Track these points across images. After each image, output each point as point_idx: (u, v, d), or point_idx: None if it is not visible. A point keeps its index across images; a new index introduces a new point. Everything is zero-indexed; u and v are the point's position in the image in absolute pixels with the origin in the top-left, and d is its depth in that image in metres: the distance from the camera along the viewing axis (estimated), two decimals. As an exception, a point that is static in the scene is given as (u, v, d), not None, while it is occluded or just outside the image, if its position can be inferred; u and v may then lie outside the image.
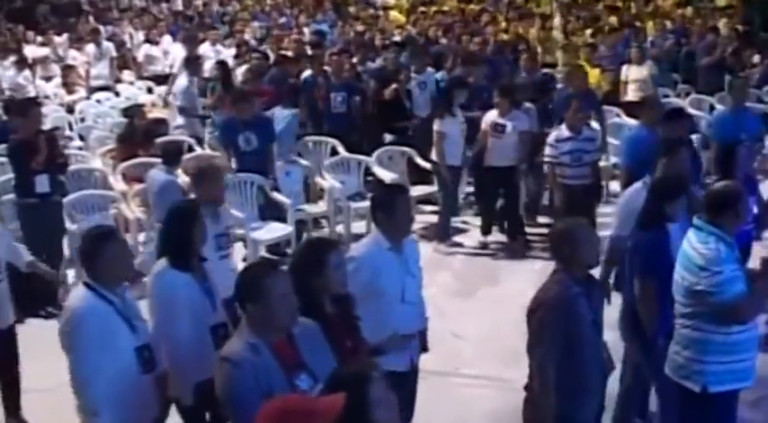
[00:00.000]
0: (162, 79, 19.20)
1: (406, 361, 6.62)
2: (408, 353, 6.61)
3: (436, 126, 12.22)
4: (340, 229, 12.44)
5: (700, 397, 6.16)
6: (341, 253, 5.88)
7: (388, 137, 14.31)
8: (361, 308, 6.04)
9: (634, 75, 16.77)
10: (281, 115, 13.15)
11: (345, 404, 3.93)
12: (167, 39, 21.93)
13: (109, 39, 21.94)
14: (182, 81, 15.79)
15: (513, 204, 12.32)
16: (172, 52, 20.18)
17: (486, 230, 12.33)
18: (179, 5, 30.72)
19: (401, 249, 6.55)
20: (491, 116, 12.09)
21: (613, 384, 7.34)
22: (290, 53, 17.73)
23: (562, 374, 5.61)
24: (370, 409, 4.07)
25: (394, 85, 14.38)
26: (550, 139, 11.20)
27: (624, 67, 16.91)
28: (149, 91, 18.93)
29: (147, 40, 21.83)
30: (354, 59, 16.35)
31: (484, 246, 12.26)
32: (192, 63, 16.09)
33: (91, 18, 26.63)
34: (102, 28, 23.51)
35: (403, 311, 6.49)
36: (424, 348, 6.88)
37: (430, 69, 15.56)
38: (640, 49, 17.25)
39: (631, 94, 16.40)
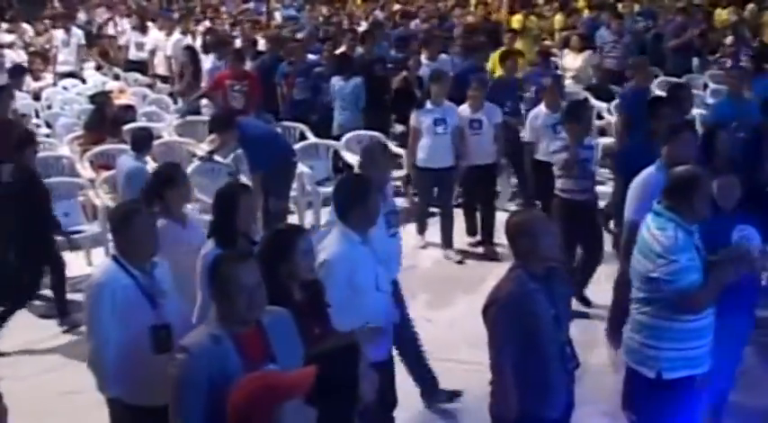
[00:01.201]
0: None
1: (384, 351, 6.64)
2: (385, 343, 6.63)
3: (411, 120, 11.73)
4: (309, 214, 12.44)
5: (655, 383, 6.17)
6: (308, 239, 5.87)
7: (399, 127, 14.12)
8: (343, 304, 6.08)
9: (569, 63, 16.69)
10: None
11: (336, 376, 4.04)
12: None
13: (88, 23, 21.93)
14: (208, 65, 15.69)
15: (491, 209, 11.80)
16: (153, 39, 19.97)
17: (472, 231, 11.97)
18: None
19: (369, 240, 6.54)
20: (464, 113, 11.59)
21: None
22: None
23: (522, 372, 5.49)
24: (358, 381, 4.16)
25: (403, 74, 14.33)
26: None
27: (564, 52, 16.82)
28: (116, 77, 18.84)
29: (134, 27, 21.63)
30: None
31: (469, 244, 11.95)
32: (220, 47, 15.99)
33: (57, 3, 26.48)
34: (82, 15, 23.47)
35: (379, 300, 6.50)
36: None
37: (444, 56, 15.42)
38: (581, 38, 17.13)
39: (567, 84, 15.70)
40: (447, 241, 11.59)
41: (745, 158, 8.74)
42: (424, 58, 14.98)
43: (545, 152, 10.65)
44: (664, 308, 6.04)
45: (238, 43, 17.98)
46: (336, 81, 14.26)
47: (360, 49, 15.81)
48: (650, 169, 7.54)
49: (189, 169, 11.22)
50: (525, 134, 11.56)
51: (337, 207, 6.59)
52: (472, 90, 11.61)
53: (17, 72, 15.29)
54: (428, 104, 11.42)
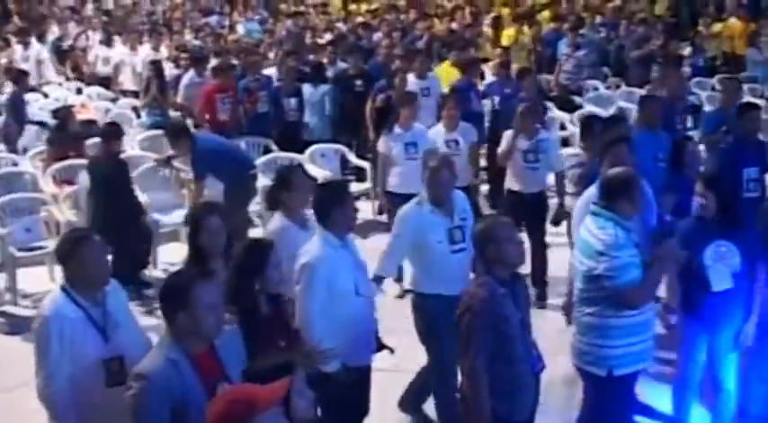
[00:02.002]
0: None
1: (363, 357, 6.73)
2: (365, 349, 6.71)
3: (378, 145, 11.29)
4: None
5: (606, 381, 6.32)
6: (276, 252, 5.98)
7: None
8: (323, 309, 6.23)
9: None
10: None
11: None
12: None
13: (59, 38, 21.89)
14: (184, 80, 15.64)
15: None
16: (118, 54, 19.83)
17: None
18: (109, 5, 30.57)
19: (347, 244, 6.64)
20: (439, 134, 11.11)
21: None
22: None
23: (493, 376, 5.62)
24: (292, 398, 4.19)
25: (383, 95, 13.58)
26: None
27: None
28: (79, 92, 18.77)
29: (101, 42, 21.52)
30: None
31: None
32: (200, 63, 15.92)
33: (16, 19, 26.39)
34: (56, 28, 23.42)
35: (359, 305, 6.56)
36: (379, 348, 6.95)
37: (432, 74, 14.55)
38: (505, 51, 16.82)
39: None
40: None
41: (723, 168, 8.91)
42: (412, 75, 14.08)
43: (517, 180, 10.52)
44: (609, 306, 6.23)
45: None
46: (307, 88, 14.45)
47: (342, 64, 15.64)
48: (592, 188, 7.62)
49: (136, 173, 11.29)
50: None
51: (316, 211, 6.66)
52: (448, 109, 11.17)
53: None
54: (397, 129, 10.96)
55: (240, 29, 24.77)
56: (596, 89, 17.51)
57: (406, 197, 8.59)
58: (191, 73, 15.51)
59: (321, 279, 6.31)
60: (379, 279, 7.54)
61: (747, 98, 16.78)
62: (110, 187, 10.43)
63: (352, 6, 29.18)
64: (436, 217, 7.40)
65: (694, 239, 6.93)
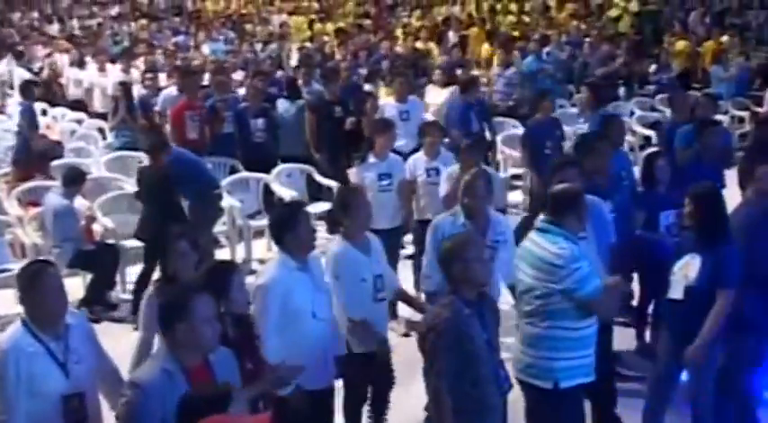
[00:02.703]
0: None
1: (323, 380, 6.70)
2: (324, 372, 6.68)
3: (351, 176, 10.51)
4: (240, 248, 12.41)
5: (551, 394, 6.34)
6: (241, 273, 6.01)
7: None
8: (278, 330, 6.22)
9: (432, 98, 15.79)
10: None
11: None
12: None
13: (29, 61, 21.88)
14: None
15: None
16: (89, 76, 19.77)
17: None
18: (74, 27, 30.52)
19: (308, 267, 6.60)
20: (420, 162, 10.49)
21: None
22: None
23: (459, 396, 5.60)
24: None
25: (352, 118, 13.29)
26: None
27: (428, 87, 16.45)
28: (44, 113, 18.69)
29: (72, 63, 21.40)
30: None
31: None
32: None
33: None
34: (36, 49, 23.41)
35: (316, 328, 6.53)
36: (342, 373, 6.95)
37: (413, 98, 14.06)
38: (444, 72, 16.73)
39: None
40: (392, 313, 9.24)
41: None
42: (393, 99, 13.79)
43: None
44: (560, 318, 6.26)
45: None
46: (281, 103, 14.47)
47: (318, 86, 15.41)
48: None
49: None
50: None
51: (272, 234, 6.69)
52: (430, 136, 10.59)
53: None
54: (371, 158, 10.30)
55: (205, 49, 24.75)
56: (562, 107, 17.60)
57: (376, 232, 7.83)
58: (171, 88, 15.53)
59: (275, 301, 6.33)
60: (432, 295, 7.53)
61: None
62: (156, 197, 10.62)
63: (318, 26, 29.21)
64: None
65: (680, 250, 7.15)
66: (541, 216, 6.59)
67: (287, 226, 6.56)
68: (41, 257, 9.20)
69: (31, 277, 5.57)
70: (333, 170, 13.14)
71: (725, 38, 21.95)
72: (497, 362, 5.92)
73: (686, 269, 6.96)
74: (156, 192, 10.63)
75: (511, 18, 28.31)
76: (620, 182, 9.11)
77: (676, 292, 7.01)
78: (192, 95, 14.12)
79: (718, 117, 17.13)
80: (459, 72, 17.78)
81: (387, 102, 13.60)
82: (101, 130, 16.65)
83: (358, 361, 7.03)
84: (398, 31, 26.59)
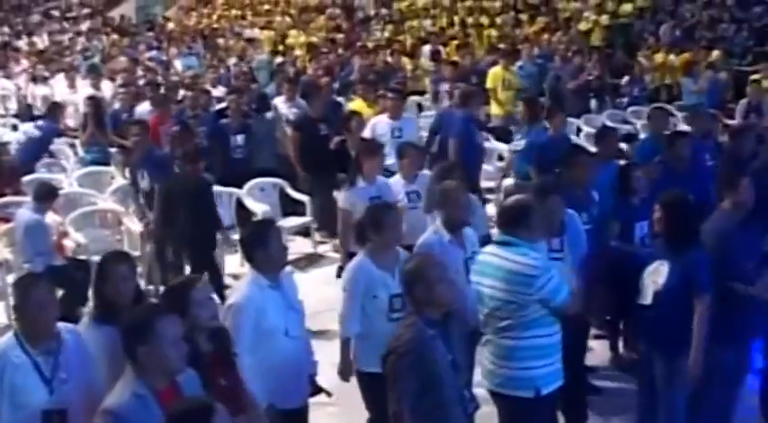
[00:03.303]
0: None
1: (297, 399, 6.67)
2: (300, 390, 6.67)
3: (339, 201, 10.10)
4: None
5: (534, 402, 6.37)
6: (203, 288, 5.84)
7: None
8: (250, 349, 6.14)
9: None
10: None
11: None
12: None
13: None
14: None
15: None
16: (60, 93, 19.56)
17: None
18: (45, 41, 30.44)
19: (280, 284, 6.55)
20: (399, 186, 9.86)
21: None
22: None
23: (424, 419, 5.54)
24: None
25: (339, 138, 12.89)
26: None
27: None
28: (14, 128, 18.60)
29: (34, 79, 21.28)
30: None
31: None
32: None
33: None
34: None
35: (288, 346, 6.49)
36: (316, 392, 6.91)
37: (407, 115, 13.59)
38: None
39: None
40: None
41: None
42: (385, 116, 13.05)
43: None
44: (534, 327, 6.32)
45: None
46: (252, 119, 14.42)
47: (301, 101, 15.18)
48: None
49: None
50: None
51: (243, 252, 6.65)
52: (408, 157, 9.95)
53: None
54: (360, 182, 9.77)
55: (177, 64, 24.73)
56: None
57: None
58: (145, 104, 15.51)
59: (247, 319, 6.26)
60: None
61: (682, 127, 17.08)
62: (191, 204, 10.62)
63: (289, 40, 29.24)
64: (454, 247, 7.41)
65: (654, 255, 7.23)
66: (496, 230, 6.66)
67: (258, 244, 6.50)
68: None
69: (22, 290, 5.58)
70: (318, 188, 13.16)
71: (716, 52, 21.97)
72: (463, 383, 5.87)
73: (655, 275, 7.03)
74: (192, 198, 10.68)
75: (484, 32, 28.36)
76: (609, 194, 9.12)
77: (645, 298, 7.07)
78: (164, 110, 14.08)
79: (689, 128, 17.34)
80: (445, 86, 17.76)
81: (379, 118, 13.03)
82: (72, 146, 16.57)
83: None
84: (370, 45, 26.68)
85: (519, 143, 12.38)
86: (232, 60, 24.34)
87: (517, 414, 6.51)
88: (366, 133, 12.48)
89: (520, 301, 6.28)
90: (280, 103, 15.31)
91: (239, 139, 13.77)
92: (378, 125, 12.82)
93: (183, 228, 10.61)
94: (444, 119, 13.57)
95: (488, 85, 17.57)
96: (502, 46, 23.73)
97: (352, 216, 9.09)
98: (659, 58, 22.24)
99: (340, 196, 10.09)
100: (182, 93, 17.48)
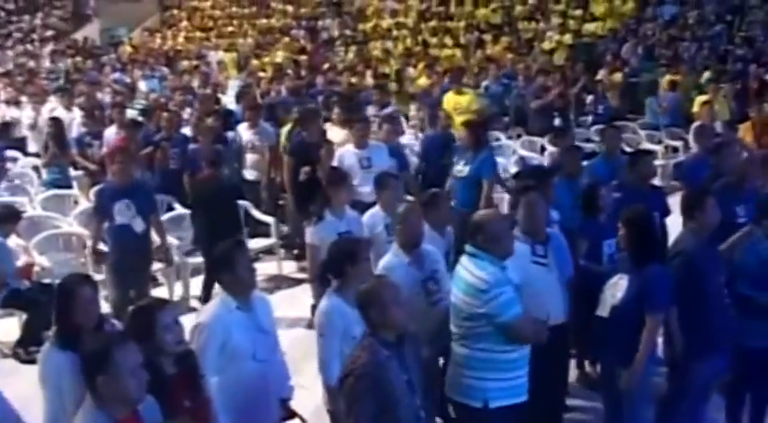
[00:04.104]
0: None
1: (269, 422, 6.64)
2: (269, 414, 6.63)
3: (307, 237, 9.66)
4: (178, 286, 12.28)
5: (479, 412, 6.44)
6: (170, 312, 5.75)
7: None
8: (217, 370, 6.14)
9: (333, 136, 14.30)
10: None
11: None
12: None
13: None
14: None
15: None
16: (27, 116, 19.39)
17: None
18: (8, 65, 30.30)
19: (250, 306, 6.52)
20: (378, 217, 9.30)
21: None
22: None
23: None
24: None
25: (306, 168, 12.46)
26: None
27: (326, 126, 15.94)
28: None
29: (8, 102, 21.10)
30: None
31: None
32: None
33: None
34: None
35: (256, 370, 6.46)
36: (289, 416, 6.87)
37: (374, 143, 12.64)
38: (344, 111, 15.64)
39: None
40: None
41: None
42: (351, 146, 12.48)
43: None
44: (490, 341, 6.35)
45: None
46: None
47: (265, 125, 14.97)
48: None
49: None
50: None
51: (213, 273, 6.57)
52: (387, 188, 9.43)
53: None
54: (329, 216, 9.39)
55: (142, 86, 24.64)
56: (498, 139, 17.68)
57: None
58: (112, 128, 15.44)
59: (213, 340, 6.24)
60: None
61: (645, 144, 17.22)
62: (212, 206, 11.25)
63: (253, 62, 29.22)
64: (413, 270, 7.43)
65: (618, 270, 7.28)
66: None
67: (225, 266, 6.49)
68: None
69: None
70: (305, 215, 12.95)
71: (707, 73, 22.05)
72: (419, 403, 5.87)
73: (614, 288, 7.12)
74: (214, 201, 11.24)
75: (447, 52, 28.49)
76: (574, 211, 9.15)
77: (603, 310, 7.14)
78: (133, 132, 14.05)
79: (653, 147, 17.48)
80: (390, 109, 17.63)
81: (345, 148, 12.50)
82: (36, 169, 16.47)
83: None
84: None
85: (463, 169, 11.88)
86: (194, 81, 24.31)
87: (465, 422, 6.64)
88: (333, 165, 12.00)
89: (470, 311, 6.37)
90: (243, 129, 15.02)
91: None
92: (344, 155, 12.27)
93: (201, 230, 11.31)
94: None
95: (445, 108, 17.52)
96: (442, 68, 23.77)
97: (321, 252, 8.48)
98: (621, 76, 22.43)
99: (308, 231, 9.61)
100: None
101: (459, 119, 15.26)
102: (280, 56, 30.64)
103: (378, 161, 12.04)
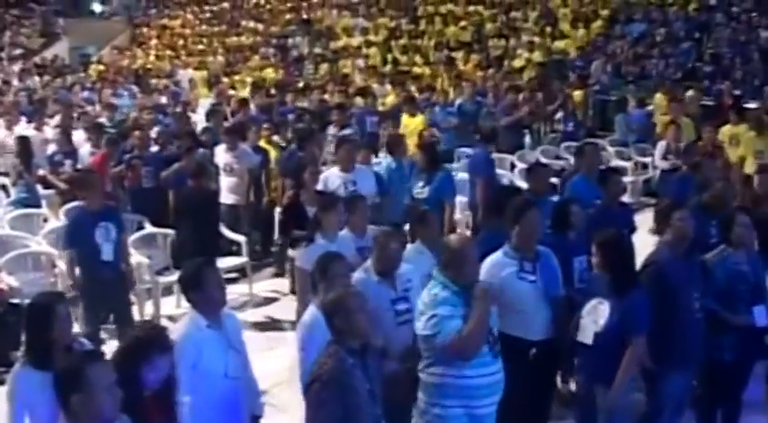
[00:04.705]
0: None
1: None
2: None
3: (297, 260, 9.53)
4: (149, 305, 12.19)
5: None
6: (159, 350, 5.60)
7: (290, 252, 11.56)
8: (189, 389, 6.07)
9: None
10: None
11: None
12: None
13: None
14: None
15: None
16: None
17: None
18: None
19: (220, 324, 6.50)
20: (348, 241, 9.11)
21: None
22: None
23: None
24: None
25: (291, 192, 12.07)
26: None
27: None
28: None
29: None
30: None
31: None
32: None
33: None
34: None
35: (228, 388, 6.45)
36: None
37: (360, 167, 12.26)
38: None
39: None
40: None
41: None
42: (337, 169, 12.17)
43: None
44: (441, 364, 6.32)
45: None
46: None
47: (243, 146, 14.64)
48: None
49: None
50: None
51: (182, 292, 6.57)
52: (358, 211, 9.36)
53: None
54: (320, 239, 9.08)
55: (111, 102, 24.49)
56: (468, 157, 17.69)
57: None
58: (86, 146, 15.38)
59: (186, 360, 6.19)
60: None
61: (615, 161, 17.29)
62: (199, 217, 11.79)
63: (224, 80, 29.17)
64: (383, 287, 7.43)
65: (588, 292, 7.34)
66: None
67: (195, 284, 6.47)
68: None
69: None
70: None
71: (690, 92, 22.00)
72: (378, 413, 5.93)
73: (595, 314, 7.07)
74: (199, 212, 11.79)
75: (417, 70, 28.52)
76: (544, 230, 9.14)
77: (586, 337, 7.09)
78: (113, 150, 14.03)
79: (622, 163, 17.55)
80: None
81: (330, 171, 12.26)
82: (4, 188, 16.36)
83: None
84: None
85: (423, 190, 11.98)
86: (163, 99, 24.23)
87: None
88: (318, 188, 11.78)
89: (418, 333, 6.43)
90: (221, 152, 14.64)
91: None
92: (329, 179, 12.03)
93: (186, 238, 11.62)
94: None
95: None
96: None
97: (308, 275, 8.05)
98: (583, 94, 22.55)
99: (297, 254, 9.47)
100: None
101: (411, 140, 15.40)
102: (251, 75, 30.63)
103: (363, 185, 11.77)
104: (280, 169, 13.87)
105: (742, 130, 16.23)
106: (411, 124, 17.69)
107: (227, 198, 14.12)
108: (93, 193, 10.40)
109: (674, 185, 12.02)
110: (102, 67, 36.29)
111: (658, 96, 20.63)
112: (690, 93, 20.53)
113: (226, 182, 14.25)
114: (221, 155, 14.58)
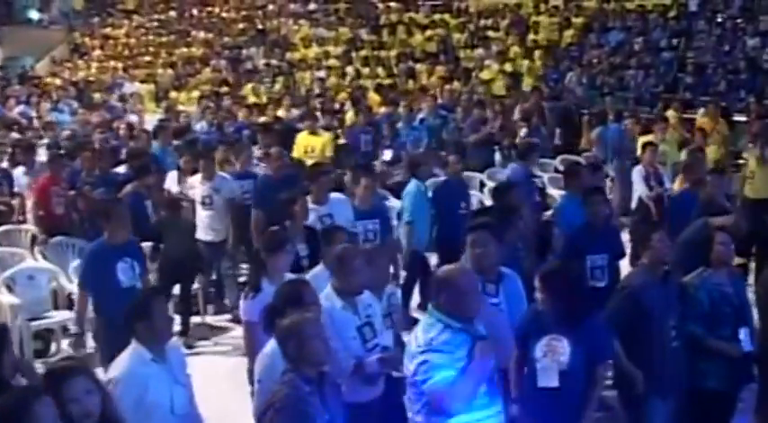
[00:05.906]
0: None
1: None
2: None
3: (242, 312, 8.58)
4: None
5: None
6: (81, 380, 5.43)
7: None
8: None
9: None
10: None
11: None
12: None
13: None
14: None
15: None
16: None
17: None
18: None
19: (165, 358, 6.48)
20: (322, 278, 8.13)
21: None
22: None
23: None
24: None
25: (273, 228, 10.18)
26: None
27: None
28: None
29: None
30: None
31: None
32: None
33: None
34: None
35: (175, 423, 6.41)
36: None
37: (335, 196, 11.54)
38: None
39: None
40: None
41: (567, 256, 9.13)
42: (309, 200, 11.14)
43: None
44: (429, 411, 6.11)
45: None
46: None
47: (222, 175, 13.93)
48: None
49: None
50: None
51: (125, 323, 6.51)
52: (333, 243, 8.51)
53: None
54: (266, 286, 8.15)
55: (50, 119, 24.43)
56: (435, 175, 17.71)
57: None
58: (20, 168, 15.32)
59: (128, 395, 6.16)
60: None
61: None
62: (175, 236, 12.37)
63: (172, 94, 29.15)
64: (347, 313, 7.37)
65: (530, 332, 7.14)
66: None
67: (140, 314, 6.45)
68: None
69: None
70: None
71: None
72: None
73: (554, 354, 7.00)
74: (176, 238, 12.40)
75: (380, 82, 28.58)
76: (516, 251, 9.17)
77: (551, 380, 7.01)
78: (56, 171, 13.93)
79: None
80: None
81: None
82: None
83: None
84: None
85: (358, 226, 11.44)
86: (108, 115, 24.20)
87: None
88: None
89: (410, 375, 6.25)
90: (196, 183, 13.71)
91: (148, 204, 13.29)
92: None
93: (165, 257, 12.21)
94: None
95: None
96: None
97: (258, 329, 7.37)
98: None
99: (242, 306, 8.42)
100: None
101: (309, 162, 14.80)
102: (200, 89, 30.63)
103: (340, 217, 10.97)
104: (253, 199, 13.14)
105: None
106: (312, 144, 17.17)
107: (206, 234, 13.39)
108: (117, 225, 9.71)
109: (677, 204, 12.05)
110: (39, 80, 36.15)
111: (670, 113, 20.37)
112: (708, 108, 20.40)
113: (203, 216, 13.45)
114: (197, 186, 13.69)
